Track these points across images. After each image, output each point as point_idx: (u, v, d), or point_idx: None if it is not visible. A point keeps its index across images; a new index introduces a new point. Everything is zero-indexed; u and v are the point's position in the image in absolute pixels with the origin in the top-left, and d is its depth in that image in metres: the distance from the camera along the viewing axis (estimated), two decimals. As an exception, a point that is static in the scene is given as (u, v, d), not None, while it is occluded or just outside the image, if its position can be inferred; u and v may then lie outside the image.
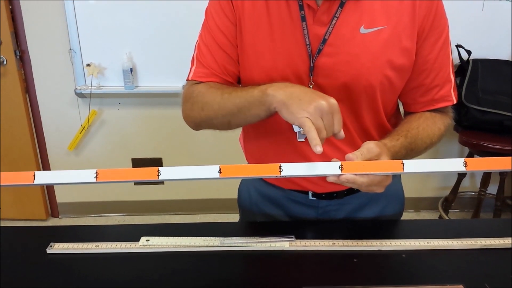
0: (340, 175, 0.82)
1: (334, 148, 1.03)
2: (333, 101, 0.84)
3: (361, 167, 0.82)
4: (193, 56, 1.08)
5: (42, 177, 0.80)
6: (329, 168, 0.82)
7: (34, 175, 0.80)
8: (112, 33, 2.59)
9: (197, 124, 1.06)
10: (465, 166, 0.81)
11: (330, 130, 0.84)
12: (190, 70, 1.07)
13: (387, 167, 0.84)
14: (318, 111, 0.83)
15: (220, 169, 0.80)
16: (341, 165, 0.82)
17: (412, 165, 0.82)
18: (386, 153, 0.88)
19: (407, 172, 0.82)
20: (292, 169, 0.82)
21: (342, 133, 0.86)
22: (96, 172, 0.79)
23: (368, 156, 0.84)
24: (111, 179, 0.80)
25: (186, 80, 1.08)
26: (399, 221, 1.19)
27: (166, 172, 0.80)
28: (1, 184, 0.79)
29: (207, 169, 0.80)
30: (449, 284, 0.87)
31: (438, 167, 0.83)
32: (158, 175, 0.80)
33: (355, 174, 0.82)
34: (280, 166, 0.81)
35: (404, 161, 0.82)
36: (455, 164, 0.82)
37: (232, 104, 0.96)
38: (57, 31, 2.59)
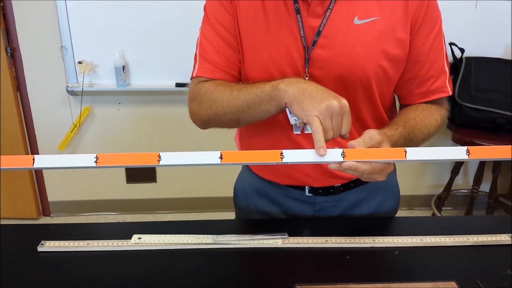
0: (342, 162, 0.81)
1: (331, 140, 1.03)
2: (344, 102, 0.84)
3: (364, 154, 0.82)
4: (195, 53, 1.07)
5: (42, 161, 0.79)
6: (331, 155, 0.81)
7: (34, 159, 0.79)
8: (104, 31, 2.58)
9: (205, 122, 1.05)
10: (468, 154, 0.81)
11: (337, 132, 0.84)
12: (194, 68, 1.07)
13: (389, 154, 0.83)
14: (329, 111, 0.83)
15: (221, 155, 0.80)
16: (343, 152, 0.81)
17: (415, 153, 0.82)
18: (387, 141, 0.88)
19: (410, 160, 0.82)
20: (293, 156, 0.81)
21: (347, 134, 0.86)
22: (96, 157, 0.79)
23: (370, 143, 0.84)
24: (111, 164, 0.79)
25: (191, 78, 1.08)
26: (392, 218, 1.20)
27: (167, 157, 0.79)
28: (1, 167, 0.78)
29: (208, 155, 0.80)
30: (441, 280, 0.87)
31: (440, 155, 0.83)
32: (159, 160, 0.79)
33: (357, 162, 0.81)
34: (281, 153, 0.81)
35: (407, 148, 0.82)
36: (458, 152, 0.82)
37: (241, 100, 0.95)
38: (48, 29, 2.58)
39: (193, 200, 3.09)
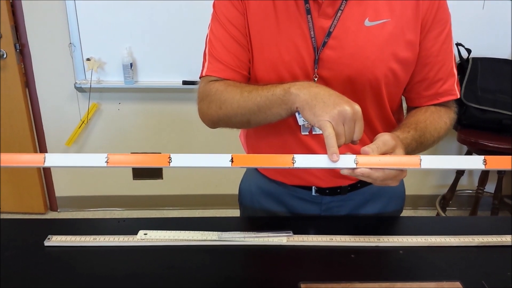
0: (355, 168, 0.80)
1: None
2: (357, 107, 0.83)
3: (377, 161, 0.80)
4: (205, 51, 1.06)
5: (53, 160, 0.79)
6: (344, 161, 0.80)
7: (45, 157, 0.78)
8: (112, 28, 2.58)
9: (214, 122, 1.04)
10: (485, 164, 0.80)
11: (349, 137, 0.83)
12: (203, 67, 1.05)
13: (403, 162, 0.82)
14: (342, 116, 0.81)
15: (232, 158, 0.79)
16: (356, 158, 0.80)
17: (430, 161, 0.81)
18: (400, 145, 0.87)
19: (424, 168, 0.81)
20: (305, 161, 0.81)
21: (358, 140, 0.85)
22: (107, 157, 0.78)
23: (384, 149, 0.83)
24: (121, 164, 0.79)
25: (200, 77, 1.07)
26: (396, 218, 1.20)
27: (178, 159, 0.79)
28: (11, 165, 0.78)
29: (218, 157, 0.79)
30: (446, 280, 0.87)
31: (456, 164, 0.81)
32: (170, 162, 0.78)
33: (371, 169, 0.80)
34: (293, 157, 0.80)
35: (422, 156, 0.81)
36: (474, 162, 0.80)
37: (252, 102, 0.94)
38: (57, 25, 2.58)
39: (198, 197, 3.10)
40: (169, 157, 0.79)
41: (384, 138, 0.85)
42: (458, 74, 1.08)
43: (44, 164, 0.78)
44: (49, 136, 2.88)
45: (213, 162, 0.80)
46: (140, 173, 3.01)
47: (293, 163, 0.80)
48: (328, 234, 1.01)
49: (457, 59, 2.56)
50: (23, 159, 0.80)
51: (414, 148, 0.96)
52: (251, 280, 0.90)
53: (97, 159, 0.79)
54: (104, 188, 3.06)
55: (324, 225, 1.09)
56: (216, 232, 1.00)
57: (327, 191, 1.13)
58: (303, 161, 0.81)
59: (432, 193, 3.14)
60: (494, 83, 2.52)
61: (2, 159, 0.78)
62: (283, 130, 1.06)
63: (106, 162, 0.78)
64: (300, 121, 0.92)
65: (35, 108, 2.81)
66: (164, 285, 0.87)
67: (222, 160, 0.79)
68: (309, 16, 0.96)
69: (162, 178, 3.05)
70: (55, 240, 0.98)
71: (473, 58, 2.57)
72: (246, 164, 0.81)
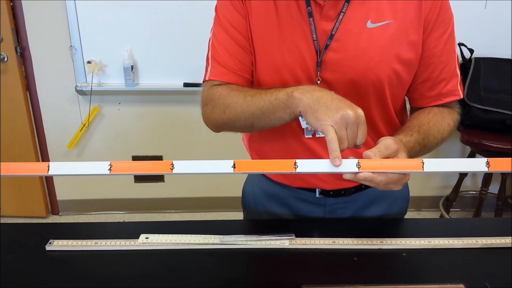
0: (357, 172, 0.80)
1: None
2: (360, 112, 0.82)
3: (379, 165, 0.80)
4: (207, 55, 1.06)
5: (56, 168, 0.79)
6: (346, 166, 0.80)
7: (49, 166, 0.78)
8: (113, 30, 2.59)
9: (218, 126, 1.05)
10: (488, 167, 0.79)
11: (352, 142, 0.83)
12: (206, 71, 1.05)
13: (406, 166, 0.81)
14: (344, 121, 0.81)
15: (234, 164, 0.79)
16: (358, 162, 0.80)
17: (432, 165, 0.80)
18: (403, 149, 0.86)
19: (427, 171, 0.80)
20: (307, 166, 0.80)
21: (361, 145, 0.85)
22: (110, 164, 0.78)
23: (386, 153, 0.82)
24: (124, 172, 0.79)
25: (203, 81, 1.07)
26: (399, 220, 1.19)
27: (180, 166, 0.79)
28: (15, 174, 0.78)
29: (221, 163, 0.79)
30: (449, 283, 0.86)
31: (459, 167, 0.81)
32: (172, 169, 0.78)
33: (373, 173, 0.80)
34: (295, 163, 0.80)
35: (424, 160, 0.80)
36: (477, 164, 0.80)
37: (255, 107, 0.94)
38: (58, 28, 2.59)
39: (200, 200, 3.10)
40: (172, 163, 0.79)
41: (387, 142, 0.84)
42: (460, 74, 1.07)
43: (48, 173, 0.78)
44: (50, 139, 2.88)
45: (215, 169, 0.80)
46: (141, 176, 3.00)
47: (295, 168, 0.80)
48: (330, 236, 1.01)
49: (460, 59, 2.56)
50: (26, 168, 0.80)
51: (418, 151, 0.96)
52: (253, 283, 0.90)
53: (100, 167, 0.79)
54: (106, 191, 3.06)
55: (327, 227, 1.09)
56: (218, 235, 1.00)
57: (331, 192, 1.13)
58: (305, 166, 0.80)
59: (436, 194, 3.13)
60: (496, 83, 2.51)
61: (5, 168, 0.78)
62: (287, 134, 1.06)
63: (109, 170, 0.78)
64: (303, 124, 0.92)
65: (36, 111, 2.82)
66: (165, 289, 0.86)
67: (224, 166, 0.79)
68: (311, 19, 0.96)
69: (164, 181, 3.04)
70: (57, 245, 0.98)
71: (476, 58, 2.57)
72: (248, 170, 0.81)
